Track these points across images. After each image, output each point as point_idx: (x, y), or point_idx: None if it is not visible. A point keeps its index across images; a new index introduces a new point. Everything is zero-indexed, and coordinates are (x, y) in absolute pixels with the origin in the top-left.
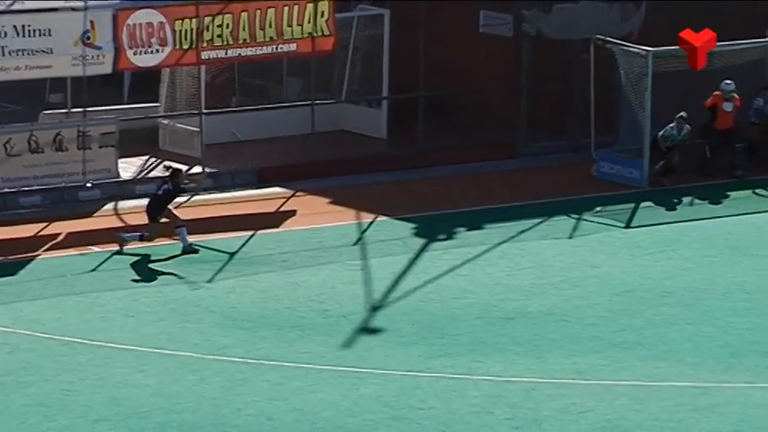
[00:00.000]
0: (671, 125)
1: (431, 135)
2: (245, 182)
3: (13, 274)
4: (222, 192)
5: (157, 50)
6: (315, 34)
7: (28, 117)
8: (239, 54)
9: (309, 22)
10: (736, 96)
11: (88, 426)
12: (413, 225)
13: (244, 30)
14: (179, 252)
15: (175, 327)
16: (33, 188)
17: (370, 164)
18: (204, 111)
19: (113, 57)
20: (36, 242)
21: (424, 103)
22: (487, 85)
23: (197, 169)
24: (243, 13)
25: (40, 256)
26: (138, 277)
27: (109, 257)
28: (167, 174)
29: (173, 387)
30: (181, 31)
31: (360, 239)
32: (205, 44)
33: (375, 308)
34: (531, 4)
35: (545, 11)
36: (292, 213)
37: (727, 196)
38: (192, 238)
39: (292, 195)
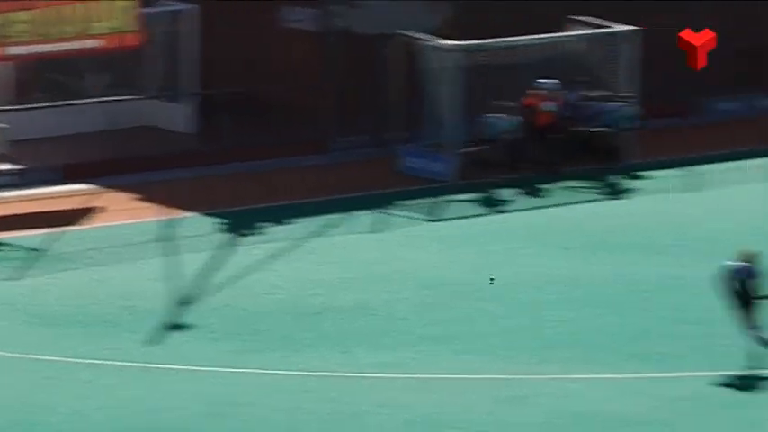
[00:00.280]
0: (497, 115)
1: (242, 131)
2: (51, 179)
3: None
4: (27, 189)
5: None
6: (121, 30)
7: None
8: (44, 50)
9: (116, 17)
10: (557, 94)
11: None
12: (221, 221)
13: (49, 25)
14: None
15: None
16: None
17: (176, 160)
18: (8, 107)
19: None
20: None
21: (234, 99)
22: (296, 82)
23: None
24: (48, 9)
25: None
26: None
27: None
28: None
29: None
30: None
31: (167, 235)
32: (8, 40)
33: (183, 304)
34: None
35: (352, 6)
36: (98, 210)
37: (537, 189)
38: None
39: (98, 192)
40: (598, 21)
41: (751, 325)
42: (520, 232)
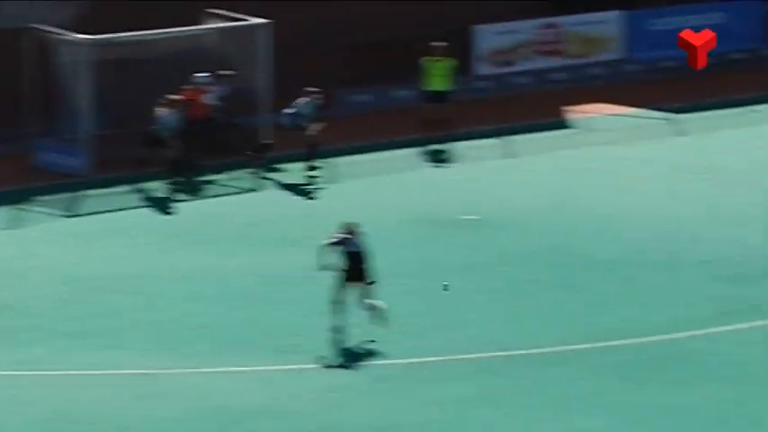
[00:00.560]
0: (165, 110)
1: None
2: None
3: None
4: None
5: None
6: None
7: None
8: None
9: None
10: (210, 87)
11: None
12: None
13: None
14: None
15: None
16: None
17: None
18: None
19: None
20: None
21: None
22: None
23: None
24: None
25: None
26: None
27: None
28: None
29: None
30: None
31: None
32: None
33: None
34: None
35: None
36: None
37: (180, 183)
38: None
39: None
40: (235, 14)
41: (362, 299)
42: (158, 227)
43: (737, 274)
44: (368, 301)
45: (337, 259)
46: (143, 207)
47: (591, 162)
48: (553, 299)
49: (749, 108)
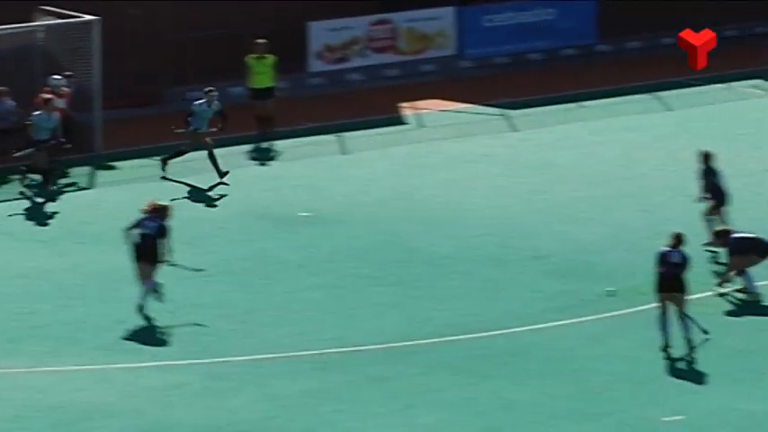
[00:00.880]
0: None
1: None
2: None
3: None
4: None
5: None
6: None
7: None
8: None
9: None
10: (66, 90)
11: None
12: None
13: None
14: None
15: None
16: None
17: None
18: None
19: None
20: None
21: None
22: None
23: None
24: None
25: None
26: None
27: None
28: None
29: None
30: None
31: None
32: None
33: None
34: None
35: None
36: None
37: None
38: None
39: None
40: (66, 11)
41: (146, 278)
42: None
43: (569, 270)
44: (151, 279)
45: (138, 237)
46: None
47: (425, 158)
48: (390, 294)
49: (580, 104)
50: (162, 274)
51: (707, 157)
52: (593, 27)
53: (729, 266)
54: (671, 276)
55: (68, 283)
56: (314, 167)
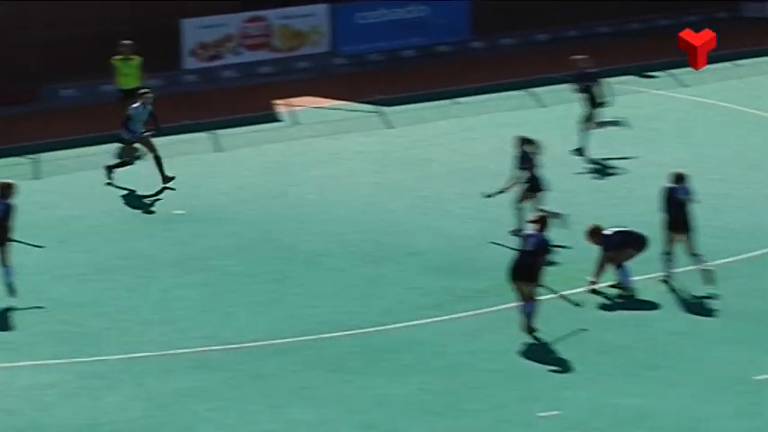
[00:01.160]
0: None
1: None
2: None
3: None
4: None
5: None
6: None
7: None
8: None
9: None
10: None
11: None
12: None
13: None
14: None
15: None
16: None
17: None
18: None
19: None
20: None
21: None
22: None
23: None
24: None
25: None
26: None
27: None
28: None
29: None
30: None
31: None
32: None
33: None
34: None
35: None
36: None
37: None
38: None
39: None
40: None
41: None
42: None
43: (444, 266)
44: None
45: None
46: None
47: (300, 155)
48: (266, 292)
49: (454, 100)
50: (31, 269)
51: (522, 142)
52: (467, 24)
53: (602, 261)
54: (524, 264)
55: None
56: (188, 165)
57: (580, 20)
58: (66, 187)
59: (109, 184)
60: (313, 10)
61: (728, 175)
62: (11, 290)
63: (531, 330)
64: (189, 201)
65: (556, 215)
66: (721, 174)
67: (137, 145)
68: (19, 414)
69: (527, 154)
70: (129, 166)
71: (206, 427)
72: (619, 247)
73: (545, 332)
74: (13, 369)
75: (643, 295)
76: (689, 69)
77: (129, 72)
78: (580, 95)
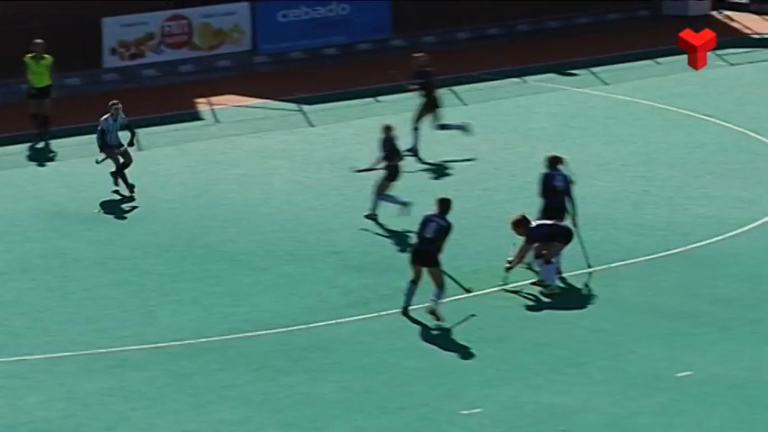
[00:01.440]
0: None
1: None
2: None
3: None
4: None
5: None
6: None
7: None
8: None
9: None
10: None
11: None
12: None
13: None
14: None
15: None
16: None
17: None
18: None
19: None
20: None
21: None
22: None
23: None
24: None
25: None
26: None
27: None
28: None
29: None
30: None
31: None
32: None
33: None
34: None
35: None
36: None
37: None
38: None
39: None
40: None
41: None
42: None
43: (367, 264)
44: None
45: None
46: None
47: (221, 154)
48: (188, 291)
49: (376, 98)
50: None
51: (387, 129)
52: (389, 22)
53: (522, 252)
54: (423, 250)
55: None
56: (109, 165)
57: (501, 18)
58: None
59: (116, 191)
60: (234, 8)
61: (650, 172)
62: None
63: (437, 316)
64: (110, 200)
65: (404, 203)
66: (642, 171)
67: (117, 150)
68: None
69: (391, 140)
70: (128, 167)
71: (128, 427)
72: (544, 239)
73: (467, 330)
74: None
75: (565, 293)
76: (609, 67)
77: (39, 71)
78: (419, 94)
